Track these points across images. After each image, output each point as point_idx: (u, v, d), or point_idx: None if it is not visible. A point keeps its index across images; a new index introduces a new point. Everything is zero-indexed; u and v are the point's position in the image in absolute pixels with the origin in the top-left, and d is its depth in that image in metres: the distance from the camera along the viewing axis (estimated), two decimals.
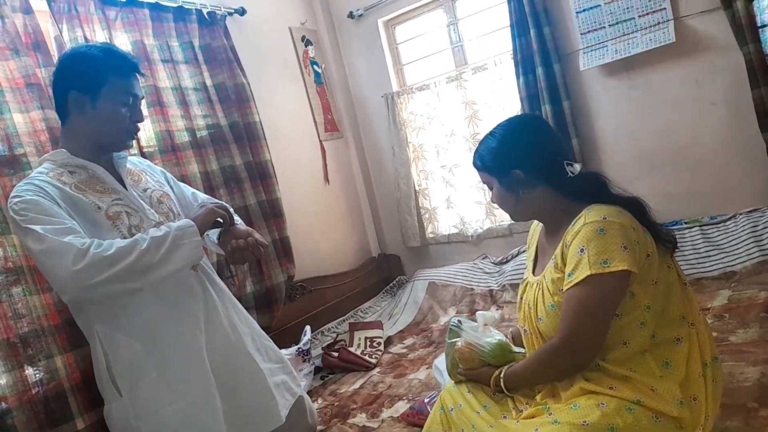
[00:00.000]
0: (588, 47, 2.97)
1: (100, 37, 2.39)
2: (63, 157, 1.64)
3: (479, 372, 1.47)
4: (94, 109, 1.63)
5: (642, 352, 1.26)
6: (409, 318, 3.32)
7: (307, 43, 3.68)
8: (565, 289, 1.26)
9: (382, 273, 3.85)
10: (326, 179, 3.65)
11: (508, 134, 1.43)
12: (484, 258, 3.51)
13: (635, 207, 1.32)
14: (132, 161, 1.85)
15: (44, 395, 1.89)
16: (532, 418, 1.29)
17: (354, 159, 3.91)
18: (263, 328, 2.02)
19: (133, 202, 1.69)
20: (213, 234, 1.87)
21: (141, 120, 1.72)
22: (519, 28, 3.04)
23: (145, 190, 1.77)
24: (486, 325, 1.53)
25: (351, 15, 3.73)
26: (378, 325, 3.15)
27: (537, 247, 1.52)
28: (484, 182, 1.50)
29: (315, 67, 3.71)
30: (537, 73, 3.01)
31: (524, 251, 3.25)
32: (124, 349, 1.59)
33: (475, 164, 1.49)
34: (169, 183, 1.94)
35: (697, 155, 2.88)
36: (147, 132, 2.55)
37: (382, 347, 2.92)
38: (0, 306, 1.84)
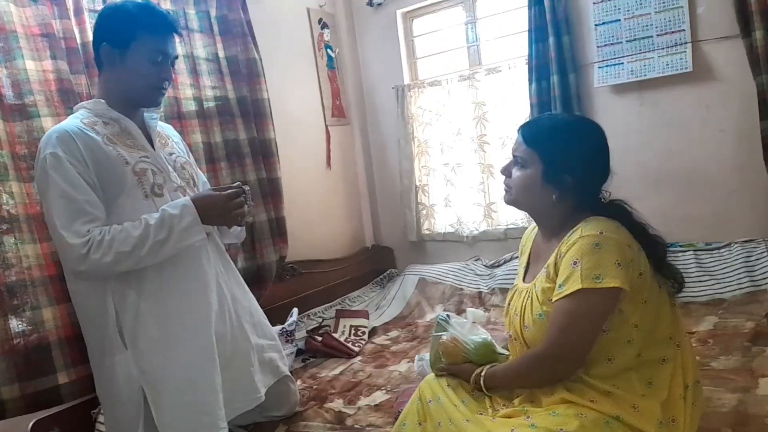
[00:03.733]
0: (603, 61, 2.96)
1: None
2: (100, 108, 1.69)
3: (461, 368, 1.46)
4: (123, 63, 1.67)
5: (626, 369, 1.26)
6: (395, 311, 3.32)
7: (324, 26, 3.66)
8: (554, 299, 1.26)
9: (374, 264, 3.85)
10: (328, 164, 3.64)
11: (582, 136, 1.36)
12: (476, 260, 3.51)
13: (654, 246, 1.31)
14: (162, 126, 1.90)
15: (26, 346, 1.88)
16: (510, 418, 1.29)
17: (358, 147, 3.90)
18: None
19: (159, 162, 1.74)
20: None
21: (168, 79, 1.74)
22: (537, 34, 3.02)
23: (170, 154, 1.82)
24: (474, 322, 1.54)
25: (370, 3, 3.71)
26: (364, 314, 3.15)
27: (530, 254, 1.51)
28: (516, 154, 1.38)
29: (329, 50, 3.69)
30: (551, 81, 3.01)
31: (517, 257, 3.25)
32: (131, 305, 1.63)
33: (525, 134, 1.38)
34: (190, 158, 1.99)
35: (700, 180, 2.88)
36: None
37: (366, 337, 2.92)
38: None
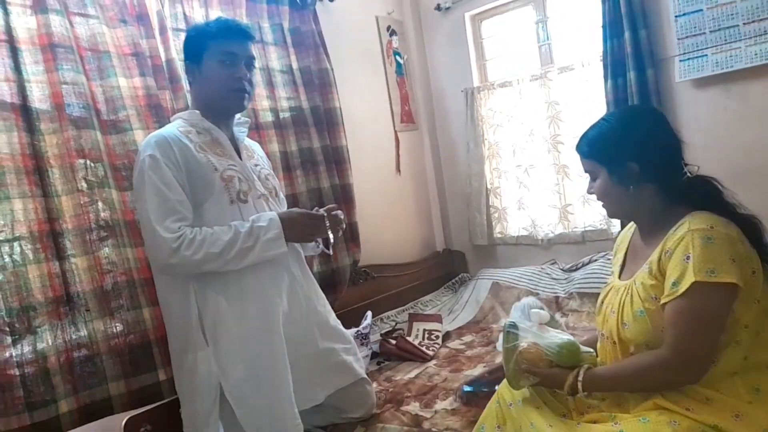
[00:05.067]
0: (685, 54, 2.82)
1: (198, 14, 2.49)
2: (195, 118, 1.84)
3: (549, 373, 1.34)
4: (201, 74, 1.82)
5: (731, 373, 1.19)
6: (469, 315, 3.29)
7: (392, 33, 3.69)
8: (668, 299, 1.19)
9: (445, 268, 3.83)
10: (398, 170, 3.67)
11: (627, 122, 1.36)
12: (552, 263, 3.42)
13: (748, 225, 1.24)
14: (249, 141, 2.04)
15: (130, 344, 1.99)
16: (594, 423, 1.25)
17: (427, 152, 3.90)
18: None
19: (245, 171, 1.86)
20: None
21: (243, 78, 1.82)
22: (612, 30, 2.93)
23: (256, 165, 1.95)
24: (541, 324, 1.45)
25: (438, 7, 3.72)
26: (437, 318, 3.14)
27: (626, 251, 1.45)
28: (586, 170, 1.42)
29: (397, 57, 3.73)
30: (628, 78, 2.89)
31: (596, 260, 3.15)
32: (212, 304, 1.73)
33: (580, 150, 1.41)
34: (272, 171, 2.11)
35: None
36: None
37: (440, 341, 2.91)
38: (94, 256, 1.95)
